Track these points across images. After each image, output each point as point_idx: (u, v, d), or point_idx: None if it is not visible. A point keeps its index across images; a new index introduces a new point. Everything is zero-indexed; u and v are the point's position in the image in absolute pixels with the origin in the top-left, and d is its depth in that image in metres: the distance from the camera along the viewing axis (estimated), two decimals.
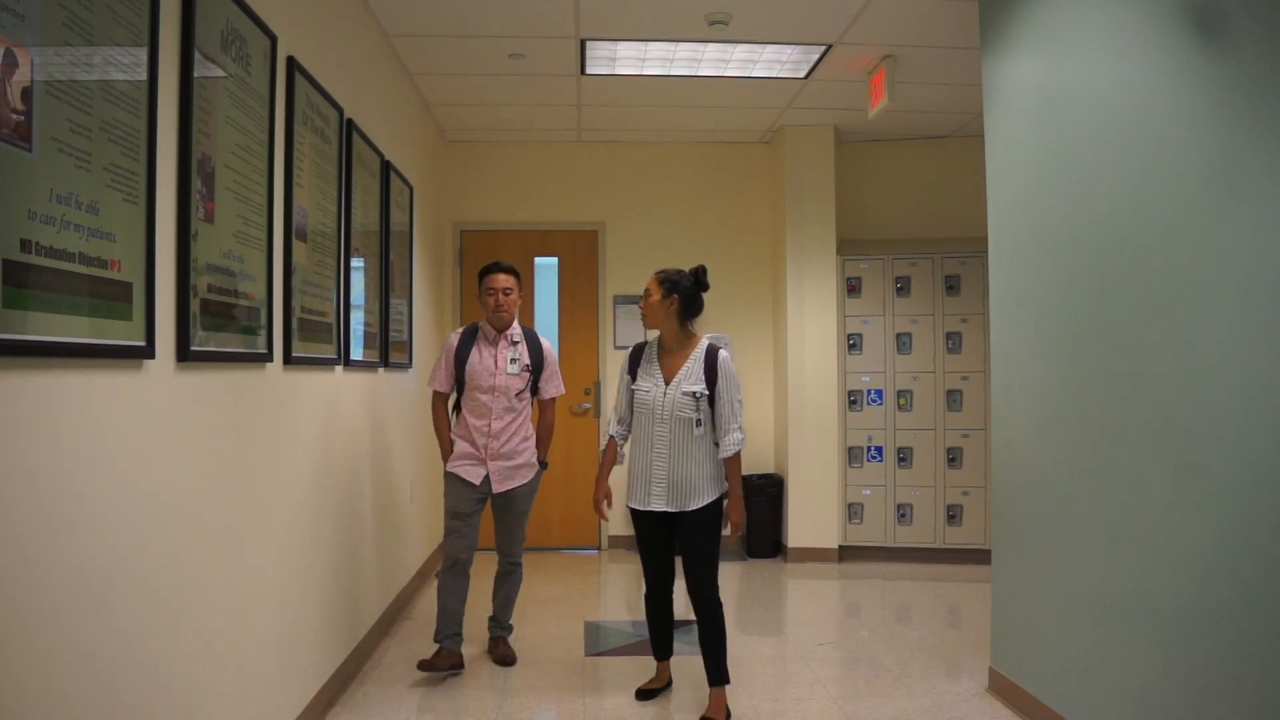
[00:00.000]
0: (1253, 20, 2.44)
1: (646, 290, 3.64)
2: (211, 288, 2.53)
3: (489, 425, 4.08)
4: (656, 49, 5.08)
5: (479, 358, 4.12)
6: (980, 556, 5.65)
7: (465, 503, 4.08)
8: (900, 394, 6.48)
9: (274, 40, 3.01)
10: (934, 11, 4.52)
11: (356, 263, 4.18)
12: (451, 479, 4.13)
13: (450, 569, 4.07)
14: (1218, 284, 2.56)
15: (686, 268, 3.68)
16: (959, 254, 6.43)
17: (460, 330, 4.26)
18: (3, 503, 1.67)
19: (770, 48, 5.05)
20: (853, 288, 6.56)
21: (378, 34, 4.69)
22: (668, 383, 3.56)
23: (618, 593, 5.89)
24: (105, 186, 1.98)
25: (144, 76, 2.14)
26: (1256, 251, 2.41)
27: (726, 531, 3.61)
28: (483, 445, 4.09)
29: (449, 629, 4.04)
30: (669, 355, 3.62)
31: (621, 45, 5.04)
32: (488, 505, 4.21)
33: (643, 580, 3.77)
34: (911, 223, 6.80)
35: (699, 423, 3.50)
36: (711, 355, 3.56)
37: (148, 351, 2.17)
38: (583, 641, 4.58)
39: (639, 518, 3.63)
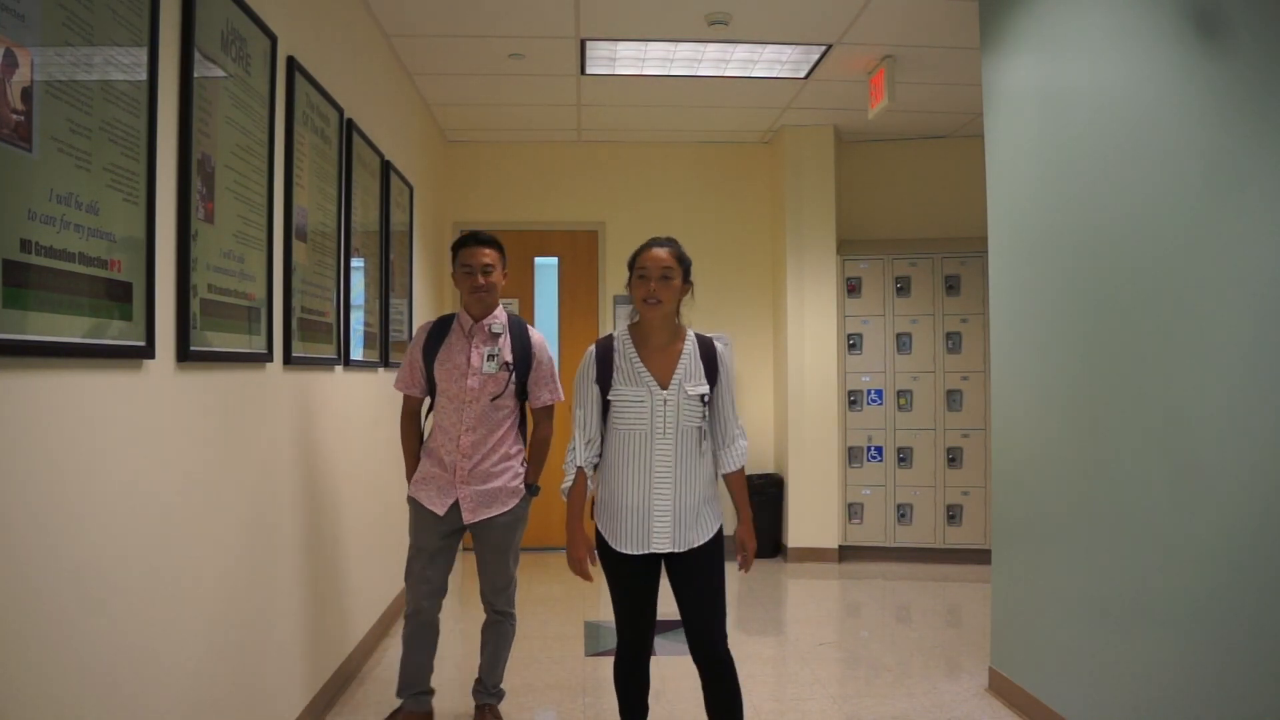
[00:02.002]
0: (1253, 20, 2.44)
1: (666, 270, 2.76)
2: (211, 287, 2.53)
3: (458, 440, 3.27)
4: (656, 49, 5.08)
5: (448, 354, 3.31)
6: (980, 556, 5.65)
7: (428, 536, 3.30)
8: (900, 394, 6.48)
9: (274, 40, 3.01)
10: (934, 11, 4.52)
11: (356, 263, 4.17)
12: (413, 506, 3.35)
13: (412, 618, 3.33)
14: (1218, 283, 2.55)
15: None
16: (959, 254, 6.43)
17: (432, 321, 3.46)
18: (2, 502, 1.67)
19: (770, 48, 5.05)
20: (853, 288, 6.56)
21: (378, 34, 4.69)
22: (664, 387, 2.75)
23: None
24: (105, 186, 1.98)
25: (144, 76, 2.14)
26: (1257, 251, 2.41)
27: (736, 566, 2.98)
28: (452, 465, 3.27)
29: (414, 685, 3.36)
30: (657, 352, 2.79)
31: (621, 45, 5.04)
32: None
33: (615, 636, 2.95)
34: (911, 223, 6.80)
35: (704, 433, 2.79)
36: (709, 348, 2.83)
37: (148, 351, 2.17)
38: (583, 641, 4.57)
39: (623, 564, 2.79)
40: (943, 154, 6.74)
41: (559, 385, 3.46)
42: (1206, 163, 2.60)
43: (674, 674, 4.02)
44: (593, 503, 2.88)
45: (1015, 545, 3.74)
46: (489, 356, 3.29)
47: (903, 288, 6.50)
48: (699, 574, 2.79)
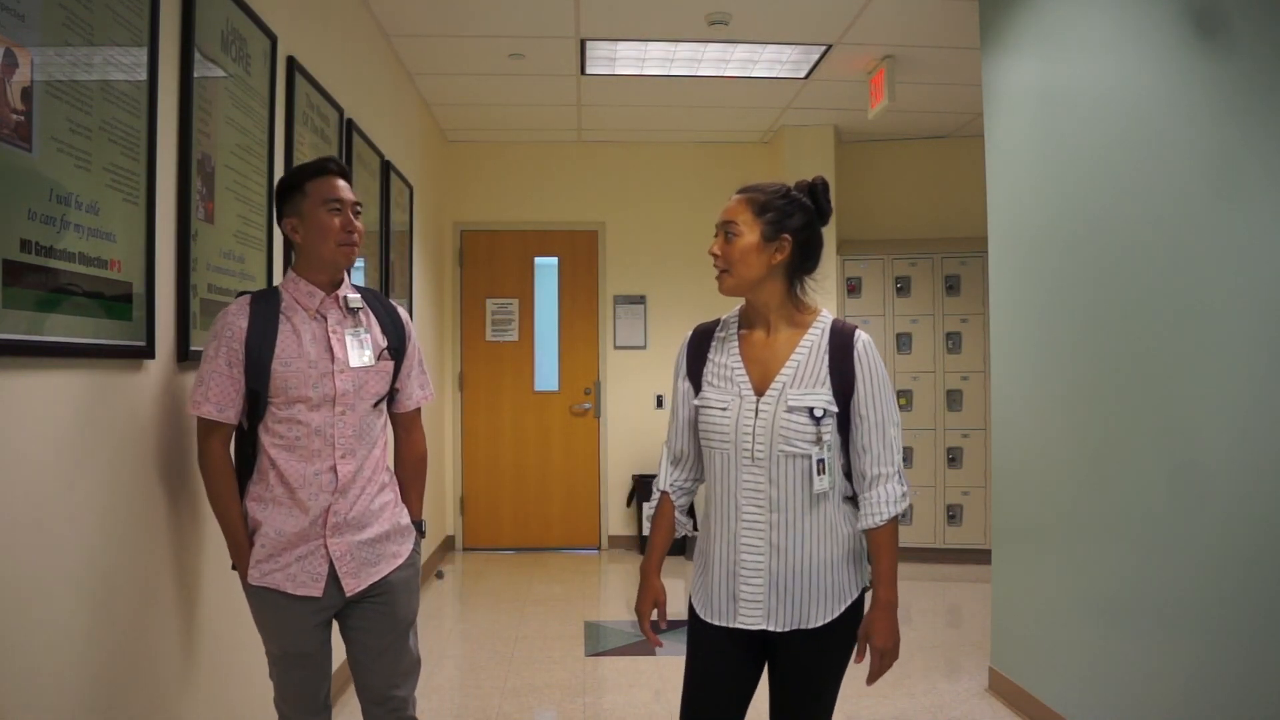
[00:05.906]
0: (1252, 20, 2.44)
1: (728, 224, 1.97)
2: (211, 287, 2.53)
3: (333, 471, 2.14)
4: (656, 49, 5.08)
5: (295, 345, 2.14)
6: (980, 556, 5.65)
7: (303, 637, 2.18)
8: (900, 394, 6.47)
9: (274, 40, 3.01)
10: (934, 11, 4.52)
11: (357, 263, 4.17)
12: (266, 601, 2.16)
13: None
14: (1217, 283, 2.56)
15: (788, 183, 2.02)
16: (959, 254, 6.43)
17: (242, 299, 2.19)
18: (2, 501, 1.67)
19: (770, 48, 5.06)
20: (853, 288, 6.56)
21: (378, 34, 4.69)
22: (760, 392, 1.97)
23: (618, 593, 5.88)
24: (105, 186, 1.98)
25: (144, 76, 2.14)
26: (1255, 251, 2.41)
27: (857, 662, 2.09)
28: (320, 513, 2.13)
29: None
30: (763, 342, 2.01)
31: (621, 45, 5.04)
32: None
33: None
34: (911, 223, 6.80)
35: (822, 465, 1.92)
36: (843, 340, 1.97)
37: (148, 351, 2.17)
38: (583, 641, 4.58)
39: (704, 636, 2.03)
40: (943, 154, 6.74)
41: (429, 380, 2.44)
42: (1207, 162, 2.60)
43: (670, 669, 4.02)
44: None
45: (1015, 545, 3.74)
46: (356, 341, 2.22)
47: (903, 288, 6.50)
48: (809, 667, 2.02)
